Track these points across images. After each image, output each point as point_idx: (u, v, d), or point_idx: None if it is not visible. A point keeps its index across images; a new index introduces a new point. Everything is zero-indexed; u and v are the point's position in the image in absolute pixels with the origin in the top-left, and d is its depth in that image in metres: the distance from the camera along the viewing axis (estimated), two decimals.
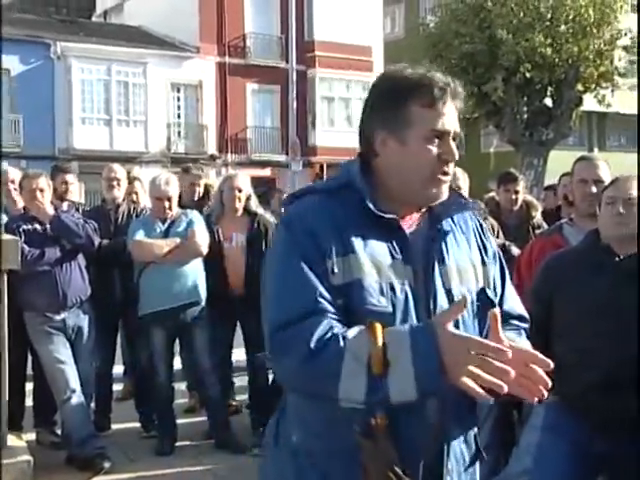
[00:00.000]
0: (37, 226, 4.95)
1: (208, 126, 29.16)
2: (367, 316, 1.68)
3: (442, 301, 1.79)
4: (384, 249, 1.77)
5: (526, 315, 2.02)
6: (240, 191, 5.48)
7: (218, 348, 5.45)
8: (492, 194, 6.22)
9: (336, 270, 1.72)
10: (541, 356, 1.64)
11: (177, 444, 5.37)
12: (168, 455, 5.24)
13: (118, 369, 6.31)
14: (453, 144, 1.81)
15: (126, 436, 5.65)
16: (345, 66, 30.23)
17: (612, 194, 2.94)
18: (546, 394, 1.62)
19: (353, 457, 1.69)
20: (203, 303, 5.30)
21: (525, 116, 22.70)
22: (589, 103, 23.38)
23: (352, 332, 1.65)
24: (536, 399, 1.63)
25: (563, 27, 21.30)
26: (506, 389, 1.54)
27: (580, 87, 22.30)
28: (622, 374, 2.74)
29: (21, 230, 4.85)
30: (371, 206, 1.77)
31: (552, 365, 1.62)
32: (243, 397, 6.13)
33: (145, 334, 5.35)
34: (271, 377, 5.41)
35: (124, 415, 5.87)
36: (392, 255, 1.77)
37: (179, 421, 5.51)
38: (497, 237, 4.95)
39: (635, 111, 33.35)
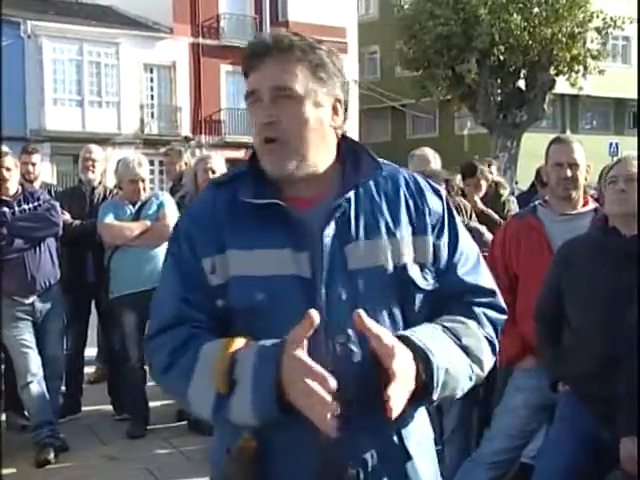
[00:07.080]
0: (5, 209, 4.85)
1: (182, 107, 28.94)
2: (248, 314, 1.58)
3: (343, 286, 1.59)
4: (272, 239, 1.59)
5: (489, 287, 1.75)
6: (214, 172, 5.43)
7: None
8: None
9: (213, 270, 1.62)
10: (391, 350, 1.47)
11: (149, 427, 5.37)
12: (140, 438, 5.24)
13: (92, 352, 6.29)
14: (267, 102, 1.61)
15: (98, 418, 5.65)
16: None
17: (614, 173, 2.96)
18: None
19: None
20: None
21: (499, 98, 22.78)
22: (561, 86, 23.50)
23: (209, 345, 1.55)
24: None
25: (536, 9, 21.36)
26: (328, 427, 1.41)
27: (553, 70, 22.40)
28: (613, 360, 2.74)
29: None
30: (239, 195, 1.63)
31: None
32: None
33: (116, 317, 5.33)
34: None
35: (96, 398, 5.85)
36: (281, 244, 1.59)
37: (151, 404, 5.50)
38: (470, 218, 4.98)
39: (607, 94, 33.65)
